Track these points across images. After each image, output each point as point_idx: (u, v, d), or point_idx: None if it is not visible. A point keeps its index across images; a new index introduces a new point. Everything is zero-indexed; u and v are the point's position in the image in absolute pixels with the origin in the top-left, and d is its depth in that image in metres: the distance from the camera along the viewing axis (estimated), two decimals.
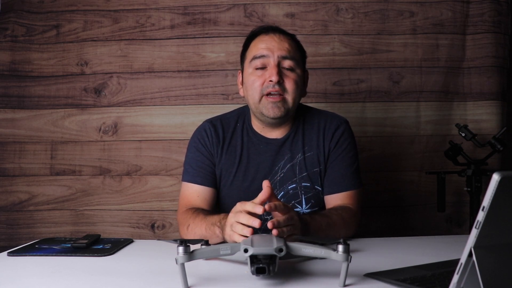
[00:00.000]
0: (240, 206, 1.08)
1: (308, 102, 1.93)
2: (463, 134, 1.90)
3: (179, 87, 2.10)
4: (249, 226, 1.02)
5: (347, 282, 0.89)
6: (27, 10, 2.10)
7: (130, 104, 2.10)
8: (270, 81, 1.35)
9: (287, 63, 1.38)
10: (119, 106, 2.10)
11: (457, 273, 0.71)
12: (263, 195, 1.06)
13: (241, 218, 1.05)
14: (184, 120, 2.08)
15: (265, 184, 1.07)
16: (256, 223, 1.01)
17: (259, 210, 1.03)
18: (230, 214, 1.09)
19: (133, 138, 2.09)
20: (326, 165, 1.43)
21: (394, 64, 2.10)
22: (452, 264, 0.80)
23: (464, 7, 2.11)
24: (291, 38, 1.44)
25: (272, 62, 1.37)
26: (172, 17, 2.10)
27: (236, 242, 1.00)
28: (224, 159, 1.45)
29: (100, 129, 2.10)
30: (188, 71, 2.10)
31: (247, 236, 1.01)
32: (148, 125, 2.09)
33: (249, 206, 1.05)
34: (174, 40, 2.10)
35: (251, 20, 2.09)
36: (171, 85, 2.10)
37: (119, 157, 2.09)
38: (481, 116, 2.10)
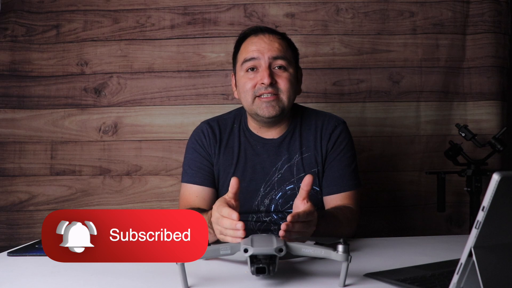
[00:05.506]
0: (217, 210, 1.06)
1: (308, 102, 1.93)
2: (463, 134, 1.90)
3: (179, 87, 2.10)
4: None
5: (347, 282, 0.89)
6: (27, 10, 2.10)
7: (130, 104, 2.09)
8: (262, 83, 1.35)
9: (278, 63, 1.37)
10: (119, 106, 2.09)
11: (457, 273, 0.71)
12: (232, 188, 1.06)
13: (225, 224, 1.03)
14: (184, 120, 2.08)
15: (233, 180, 1.06)
16: (239, 225, 1.00)
17: (234, 216, 1.01)
18: (213, 219, 1.08)
19: (133, 138, 2.09)
20: (323, 166, 1.43)
21: (394, 64, 2.10)
22: (452, 264, 0.80)
23: (464, 7, 2.11)
24: (282, 37, 1.42)
25: (263, 64, 1.36)
26: (172, 17, 2.10)
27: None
28: (222, 159, 1.44)
29: (100, 129, 2.10)
30: (188, 71, 2.10)
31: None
32: (148, 125, 2.09)
33: (225, 212, 1.04)
34: (174, 40, 2.10)
35: (251, 20, 2.09)
36: (171, 85, 2.10)
37: (119, 157, 2.09)
38: (481, 116, 2.10)
